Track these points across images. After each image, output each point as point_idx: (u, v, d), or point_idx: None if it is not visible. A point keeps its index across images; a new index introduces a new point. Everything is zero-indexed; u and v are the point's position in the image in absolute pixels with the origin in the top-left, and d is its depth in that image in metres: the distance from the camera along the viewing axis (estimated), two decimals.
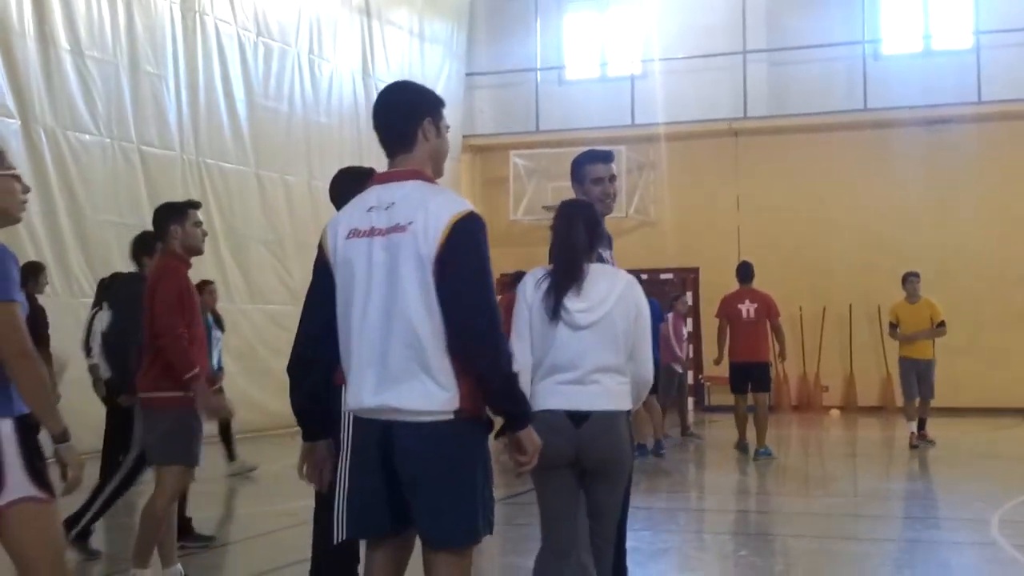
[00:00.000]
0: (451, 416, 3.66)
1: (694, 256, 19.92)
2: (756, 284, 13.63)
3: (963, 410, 18.02)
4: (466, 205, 3.77)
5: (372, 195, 3.87)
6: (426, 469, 3.70)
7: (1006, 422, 17.24)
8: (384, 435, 3.75)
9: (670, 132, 20.50)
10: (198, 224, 6.51)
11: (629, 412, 4.93)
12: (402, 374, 3.69)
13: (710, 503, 11.01)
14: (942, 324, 13.95)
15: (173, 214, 6.51)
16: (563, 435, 4.76)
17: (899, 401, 18.49)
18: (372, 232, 3.78)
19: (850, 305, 19.59)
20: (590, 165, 5.58)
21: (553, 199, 17.24)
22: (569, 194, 5.53)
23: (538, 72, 21.95)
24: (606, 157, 5.68)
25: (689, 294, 17.36)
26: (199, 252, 6.57)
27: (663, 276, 19.45)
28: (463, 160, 21.43)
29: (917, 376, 13.91)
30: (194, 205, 6.65)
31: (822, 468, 13.86)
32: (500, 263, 8.47)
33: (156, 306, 6.32)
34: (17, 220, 4.13)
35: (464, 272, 3.68)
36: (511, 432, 3.78)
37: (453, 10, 21.51)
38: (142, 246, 7.75)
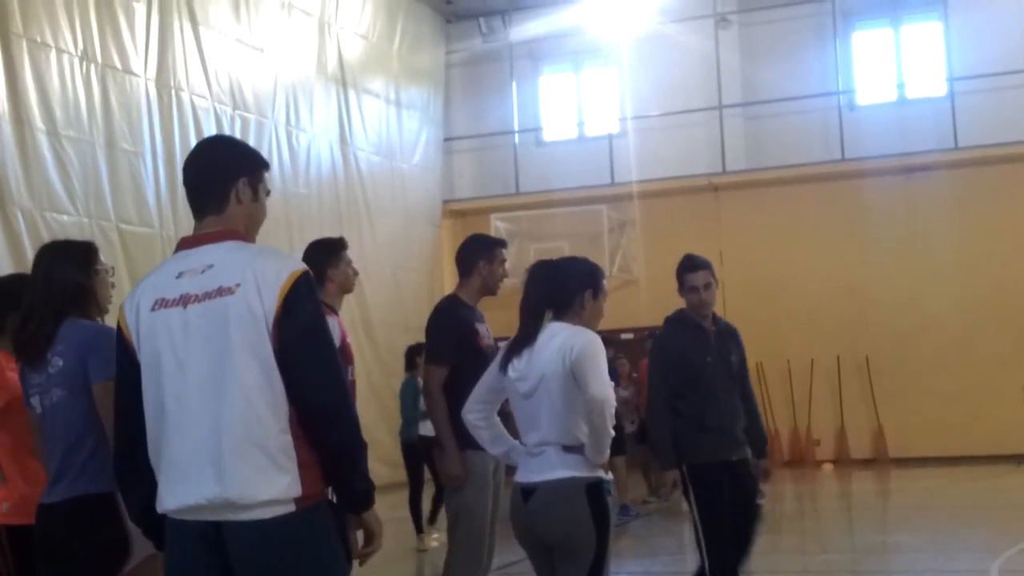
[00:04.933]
0: (292, 507, 3.17)
1: None
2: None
3: (955, 459, 17.91)
4: (301, 263, 3.34)
5: (179, 261, 3.35)
6: None
7: (999, 469, 17.09)
8: (212, 542, 3.19)
9: (650, 189, 20.52)
10: (350, 264, 5.91)
11: (597, 481, 4.46)
12: (235, 457, 3.14)
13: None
14: None
15: (328, 256, 5.85)
16: (517, 513, 4.53)
17: (892, 453, 18.48)
18: (184, 300, 3.24)
19: (838, 356, 19.46)
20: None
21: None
22: (550, 254, 5.49)
23: (516, 135, 21.98)
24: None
25: None
26: (350, 291, 6.00)
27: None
28: (444, 226, 21.37)
29: None
30: (345, 245, 5.99)
31: (818, 524, 13.72)
32: None
33: None
34: (106, 312, 4.55)
35: (311, 334, 3.24)
36: (356, 513, 3.38)
37: (429, 76, 21.58)
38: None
